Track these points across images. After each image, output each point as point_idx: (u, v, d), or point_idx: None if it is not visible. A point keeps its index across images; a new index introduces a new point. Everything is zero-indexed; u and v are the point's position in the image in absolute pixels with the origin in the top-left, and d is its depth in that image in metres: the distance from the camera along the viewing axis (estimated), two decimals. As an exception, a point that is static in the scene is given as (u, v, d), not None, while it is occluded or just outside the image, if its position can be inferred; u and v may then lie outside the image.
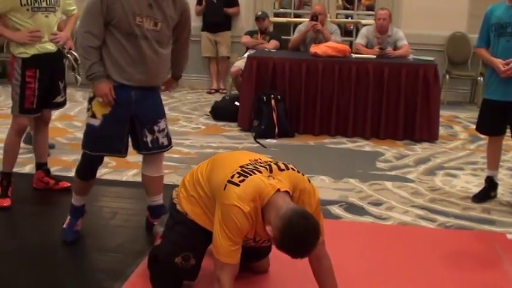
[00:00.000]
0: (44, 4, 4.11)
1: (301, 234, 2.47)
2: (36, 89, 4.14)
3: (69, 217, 3.69)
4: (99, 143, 3.45)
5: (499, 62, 4.22)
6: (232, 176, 2.70)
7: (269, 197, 2.61)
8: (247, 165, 2.79)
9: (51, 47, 4.22)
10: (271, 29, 8.37)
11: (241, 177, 2.68)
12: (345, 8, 10.61)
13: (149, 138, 3.55)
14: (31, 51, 4.12)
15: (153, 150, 3.61)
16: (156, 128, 3.55)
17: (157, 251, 3.08)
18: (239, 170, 2.74)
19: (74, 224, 3.68)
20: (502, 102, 4.30)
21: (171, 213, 3.08)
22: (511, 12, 4.18)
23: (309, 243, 2.51)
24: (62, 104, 4.51)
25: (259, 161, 2.86)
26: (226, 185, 2.68)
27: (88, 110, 3.47)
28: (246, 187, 2.64)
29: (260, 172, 2.73)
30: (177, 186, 3.17)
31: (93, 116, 3.42)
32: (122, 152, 3.54)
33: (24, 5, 4.02)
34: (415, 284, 3.25)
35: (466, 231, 4.02)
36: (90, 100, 3.43)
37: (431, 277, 3.33)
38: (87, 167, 3.59)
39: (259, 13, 8.13)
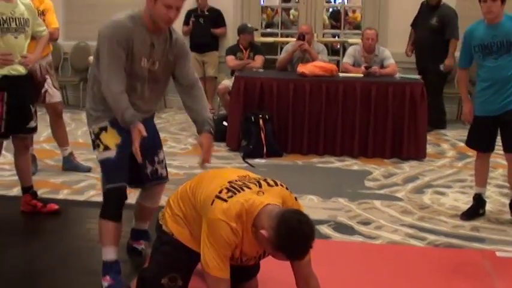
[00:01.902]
0: (13, 25, 4.08)
1: (296, 227, 2.50)
2: (3, 113, 4.07)
3: (108, 277, 3.28)
4: (121, 172, 3.27)
5: (467, 108, 4.49)
6: (221, 191, 2.71)
7: (258, 211, 2.62)
8: (236, 181, 2.81)
9: (21, 69, 4.17)
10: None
11: (230, 193, 2.70)
12: (332, 27, 10.69)
13: (149, 169, 3.46)
14: (1, 72, 4.07)
15: (153, 181, 3.53)
16: (156, 159, 3.49)
17: (145, 273, 3.07)
18: (228, 185, 2.75)
19: (119, 282, 3.29)
20: (488, 118, 4.35)
21: (157, 234, 3.09)
22: (492, 31, 4.22)
23: (305, 236, 2.53)
24: (35, 129, 4.45)
25: (247, 177, 2.88)
26: (214, 200, 2.69)
27: (98, 145, 3.28)
28: (233, 204, 2.65)
29: (249, 188, 2.75)
30: (163, 207, 3.18)
31: (107, 148, 3.24)
32: (143, 182, 3.50)
33: None
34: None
35: (456, 249, 4.02)
36: (98, 134, 3.27)
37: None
38: (116, 204, 3.32)
39: (249, 25, 7.98)
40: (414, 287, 3.43)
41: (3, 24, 4.03)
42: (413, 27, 7.85)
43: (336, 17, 11.80)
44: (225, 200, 2.66)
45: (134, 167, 3.32)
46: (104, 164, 3.29)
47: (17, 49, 4.12)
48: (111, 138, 3.25)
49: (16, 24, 4.11)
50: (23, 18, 4.16)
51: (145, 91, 3.28)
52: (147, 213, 3.73)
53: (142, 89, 3.26)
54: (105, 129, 3.26)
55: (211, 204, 2.67)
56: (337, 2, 13.40)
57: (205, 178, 2.95)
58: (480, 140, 4.48)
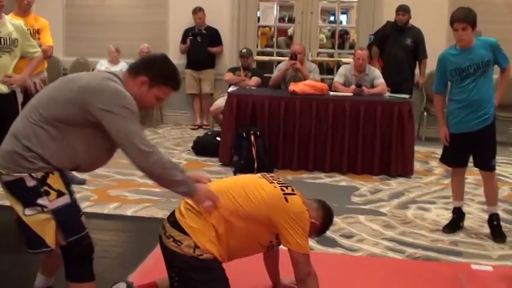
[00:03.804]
0: None
1: (332, 213, 3.37)
2: None
3: None
4: (80, 220, 2.89)
5: (443, 131, 4.66)
6: (282, 189, 3.07)
7: None
8: (272, 178, 3.18)
9: (3, 88, 4.19)
10: (253, 65, 8.63)
11: (289, 188, 3.10)
12: (333, 46, 10.88)
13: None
14: None
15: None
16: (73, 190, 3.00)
17: None
18: (276, 184, 3.11)
19: None
20: (459, 134, 4.56)
21: (196, 265, 2.93)
22: (467, 55, 4.42)
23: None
24: None
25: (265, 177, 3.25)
26: (285, 197, 3.03)
27: (47, 192, 2.72)
28: (300, 196, 3.11)
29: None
30: (157, 219, 3.20)
31: (60, 193, 2.75)
32: None
33: None
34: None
35: (432, 262, 4.16)
36: (44, 179, 2.72)
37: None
38: (88, 258, 2.88)
39: (244, 50, 8.35)
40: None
41: None
42: (378, 45, 8.06)
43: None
44: (294, 194, 3.07)
45: None
46: (62, 213, 2.75)
47: (0, 68, 4.17)
48: (60, 182, 2.78)
49: (1, 43, 4.16)
50: (9, 38, 4.22)
51: (100, 162, 2.98)
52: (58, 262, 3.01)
53: (105, 155, 2.94)
54: (51, 172, 2.74)
55: (287, 201, 3.02)
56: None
57: (239, 191, 3.06)
58: (454, 156, 4.68)
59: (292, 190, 3.11)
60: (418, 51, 7.91)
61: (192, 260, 2.90)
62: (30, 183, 2.69)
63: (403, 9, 7.80)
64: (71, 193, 2.81)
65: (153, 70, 2.84)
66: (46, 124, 2.69)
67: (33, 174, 2.69)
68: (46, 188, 2.71)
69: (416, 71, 8.10)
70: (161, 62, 2.90)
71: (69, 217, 2.78)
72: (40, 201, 2.71)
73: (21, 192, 2.71)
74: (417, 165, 6.79)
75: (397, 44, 7.84)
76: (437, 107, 4.83)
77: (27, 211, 2.71)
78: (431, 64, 7.07)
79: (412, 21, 7.94)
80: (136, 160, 2.71)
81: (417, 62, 8.04)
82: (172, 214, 3.07)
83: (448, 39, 7.50)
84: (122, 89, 2.74)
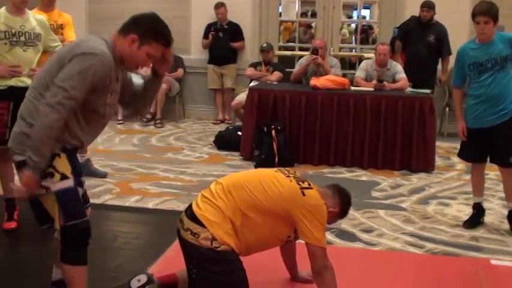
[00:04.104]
0: (22, 39, 4.21)
1: (350, 196, 3.41)
2: (9, 121, 4.13)
3: None
4: (81, 204, 2.90)
5: (461, 126, 4.64)
6: (299, 184, 3.09)
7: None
8: (287, 172, 3.20)
9: (28, 82, 4.19)
10: (275, 60, 8.65)
11: (306, 183, 3.12)
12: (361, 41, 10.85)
13: (81, 191, 2.96)
14: (9, 83, 4.18)
15: (85, 205, 3.03)
16: (83, 180, 3.04)
17: None
18: (292, 178, 3.13)
19: None
20: (477, 130, 4.55)
21: (213, 257, 2.95)
22: (486, 49, 4.41)
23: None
24: None
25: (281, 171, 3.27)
26: (302, 191, 3.06)
27: (51, 174, 2.77)
28: (316, 189, 3.13)
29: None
30: (177, 212, 3.20)
31: (64, 177, 2.78)
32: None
33: (2, 39, 4.13)
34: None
35: (452, 257, 4.16)
36: (51, 162, 2.76)
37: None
38: (83, 244, 2.87)
39: (264, 45, 8.38)
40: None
41: (12, 38, 4.17)
42: (401, 40, 8.02)
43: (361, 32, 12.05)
44: (311, 188, 3.11)
45: None
46: (64, 195, 2.78)
47: (24, 63, 4.24)
48: (66, 166, 2.81)
49: (25, 38, 4.24)
50: (33, 33, 4.29)
51: (99, 126, 2.97)
52: None
53: (96, 125, 2.93)
54: (57, 154, 2.80)
55: (304, 195, 3.05)
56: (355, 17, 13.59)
57: (257, 185, 3.07)
58: (473, 152, 4.67)
59: (309, 184, 3.13)
60: (441, 48, 7.85)
61: (209, 252, 2.93)
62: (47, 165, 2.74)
63: (427, 6, 7.74)
64: (76, 180, 2.83)
65: (143, 27, 2.82)
66: (43, 98, 2.70)
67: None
68: (51, 169, 2.76)
69: (439, 67, 8.05)
70: (151, 19, 2.87)
71: (69, 201, 2.79)
72: (44, 182, 2.74)
73: None
74: (439, 161, 6.77)
75: (420, 41, 7.79)
76: (456, 101, 4.82)
77: (38, 191, 2.77)
78: (453, 60, 7.01)
79: (435, 17, 7.88)
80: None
81: (440, 59, 7.98)
82: (190, 207, 3.10)
83: (470, 34, 7.43)
84: (101, 49, 2.72)
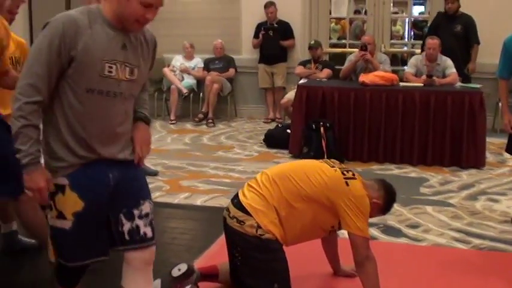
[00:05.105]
0: None
1: (394, 191, 3.37)
2: None
3: None
4: (76, 250, 2.48)
5: (507, 119, 4.56)
6: (343, 174, 3.13)
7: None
8: (331, 166, 3.22)
9: None
10: (324, 57, 8.67)
11: (350, 173, 3.16)
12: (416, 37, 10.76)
13: (126, 226, 2.52)
14: None
15: (132, 245, 2.55)
16: (136, 213, 2.54)
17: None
18: (338, 168, 3.18)
19: None
20: None
21: (257, 244, 3.02)
22: None
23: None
24: None
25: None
26: (346, 181, 3.10)
27: (50, 208, 2.45)
28: (360, 180, 3.17)
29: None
30: (225, 209, 3.21)
31: (61, 216, 2.42)
32: (107, 254, 2.57)
33: None
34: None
35: (499, 252, 4.12)
36: (53, 194, 2.41)
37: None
38: (71, 276, 2.65)
39: (312, 42, 8.42)
40: (453, 287, 3.56)
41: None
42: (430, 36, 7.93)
43: (417, 26, 11.96)
44: (355, 178, 3.14)
45: (106, 229, 2.52)
46: (57, 234, 2.47)
47: None
48: (69, 205, 2.40)
49: None
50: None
51: (119, 112, 2.46)
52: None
53: (115, 110, 2.44)
54: (62, 189, 2.40)
55: (347, 185, 3.08)
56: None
57: (301, 174, 3.14)
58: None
59: (353, 175, 3.16)
60: (469, 38, 7.93)
61: (254, 239, 3.00)
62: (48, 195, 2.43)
63: None
64: (78, 220, 2.40)
65: None
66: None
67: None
68: (51, 201, 2.44)
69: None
70: None
71: (62, 241, 2.47)
72: (48, 213, 2.51)
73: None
74: (490, 157, 6.68)
75: (448, 32, 7.78)
76: (501, 93, 4.76)
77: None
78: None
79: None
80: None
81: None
82: (236, 196, 3.19)
83: None
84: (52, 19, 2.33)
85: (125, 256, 2.57)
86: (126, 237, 2.52)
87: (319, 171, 3.15)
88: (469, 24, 7.90)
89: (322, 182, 3.10)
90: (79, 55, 2.30)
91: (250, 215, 3.03)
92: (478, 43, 7.91)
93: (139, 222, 2.54)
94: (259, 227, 3.00)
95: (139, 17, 2.37)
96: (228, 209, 3.16)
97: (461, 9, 8.01)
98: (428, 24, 8.58)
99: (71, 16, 2.31)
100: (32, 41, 9.38)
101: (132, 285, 2.59)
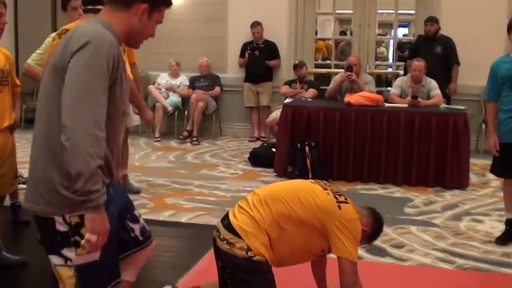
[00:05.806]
0: None
1: (383, 220, 3.36)
2: None
3: None
4: (106, 278, 2.39)
5: (493, 140, 4.62)
6: (335, 197, 3.10)
7: None
8: (324, 186, 3.21)
9: None
10: (309, 77, 8.72)
11: (342, 197, 3.13)
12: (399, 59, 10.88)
13: (136, 229, 2.61)
14: None
15: (145, 243, 2.68)
16: (137, 213, 2.66)
17: None
18: (329, 192, 3.14)
19: None
20: (509, 144, 4.53)
21: (248, 266, 2.98)
22: None
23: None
24: None
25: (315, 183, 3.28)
26: (338, 205, 3.07)
27: (75, 244, 2.21)
28: (352, 204, 3.14)
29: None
30: (210, 226, 3.24)
31: None
32: (130, 248, 2.62)
33: None
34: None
35: (482, 272, 4.14)
36: (76, 227, 2.20)
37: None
38: None
39: (297, 62, 8.49)
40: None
41: None
42: (411, 59, 8.00)
43: (401, 47, 12.07)
44: (348, 202, 3.11)
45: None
46: (86, 271, 2.27)
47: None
48: None
49: None
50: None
51: (119, 137, 2.38)
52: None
53: (115, 136, 2.33)
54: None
55: (340, 208, 3.05)
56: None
57: (294, 197, 3.10)
58: (504, 166, 4.63)
59: (345, 199, 3.15)
60: (449, 59, 8.11)
61: (244, 261, 2.96)
62: (61, 228, 2.22)
63: (430, 20, 8.14)
64: (104, 246, 2.21)
65: None
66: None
67: (66, 217, 2.20)
68: (77, 237, 2.20)
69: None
70: None
71: (92, 277, 2.30)
72: (66, 252, 2.24)
73: (49, 235, 2.27)
74: (473, 178, 6.73)
75: (428, 54, 7.88)
76: (488, 116, 4.82)
77: (52, 258, 2.29)
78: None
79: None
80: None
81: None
82: (226, 217, 3.13)
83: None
84: (99, 30, 2.21)
85: (133, 256, 2.65)
86: (140, 238, 2.63)
87: (311, 193, 3.12)
88: (448, 46, 8.08)
89: (314, 205, 3.07)
90: (119, 77, 2.22)
91: (241, 238, 3.00)
92: (458, 64, 8.09)
93: (142, 220, 2.68)
94: (249, 249, 2.97)
95: (151, 34, 2.39)
96: (218, 230, 3.12)
97: (441, 32, 8.15)
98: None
99: (110, 36, 2.21)
100: (17, 54, 9.35)
101: (128, 272, 2.67)
